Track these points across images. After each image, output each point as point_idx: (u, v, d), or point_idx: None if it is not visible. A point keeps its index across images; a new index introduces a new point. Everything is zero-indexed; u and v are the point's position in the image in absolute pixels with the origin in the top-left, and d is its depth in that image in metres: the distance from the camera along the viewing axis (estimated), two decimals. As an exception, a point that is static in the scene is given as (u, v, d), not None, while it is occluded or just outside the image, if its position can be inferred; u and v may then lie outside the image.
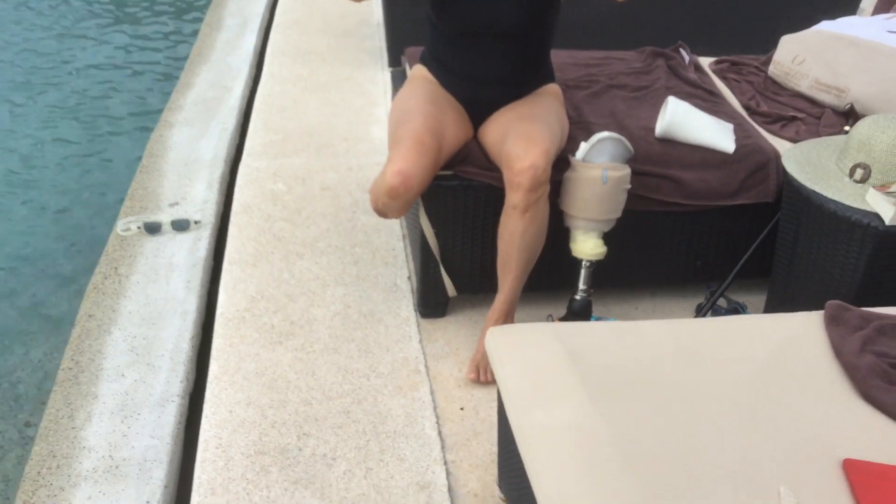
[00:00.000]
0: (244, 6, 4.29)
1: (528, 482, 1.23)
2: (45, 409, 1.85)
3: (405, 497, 1.61)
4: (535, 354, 1.34)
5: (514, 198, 1.76)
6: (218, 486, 1.62)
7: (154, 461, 1.69)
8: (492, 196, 1.95)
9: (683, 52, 2.53)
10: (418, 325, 2.08)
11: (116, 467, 1.68)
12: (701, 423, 1.24)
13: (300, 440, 1.73)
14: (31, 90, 3.79)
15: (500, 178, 1.92)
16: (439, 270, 2.04)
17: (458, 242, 2.01)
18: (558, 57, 2.46)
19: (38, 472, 1.69)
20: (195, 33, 4.18)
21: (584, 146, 1.87)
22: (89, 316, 2.11)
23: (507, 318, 1.94)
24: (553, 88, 2.03)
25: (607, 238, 1.94)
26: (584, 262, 1.92)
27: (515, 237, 1.80)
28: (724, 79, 2.47)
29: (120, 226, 2.45)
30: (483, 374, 1.90)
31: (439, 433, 1.78)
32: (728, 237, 2.08)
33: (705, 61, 2.59)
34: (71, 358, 1.98)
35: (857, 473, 1.17)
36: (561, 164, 1.91)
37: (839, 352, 1.40)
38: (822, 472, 1.17)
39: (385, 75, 3.44)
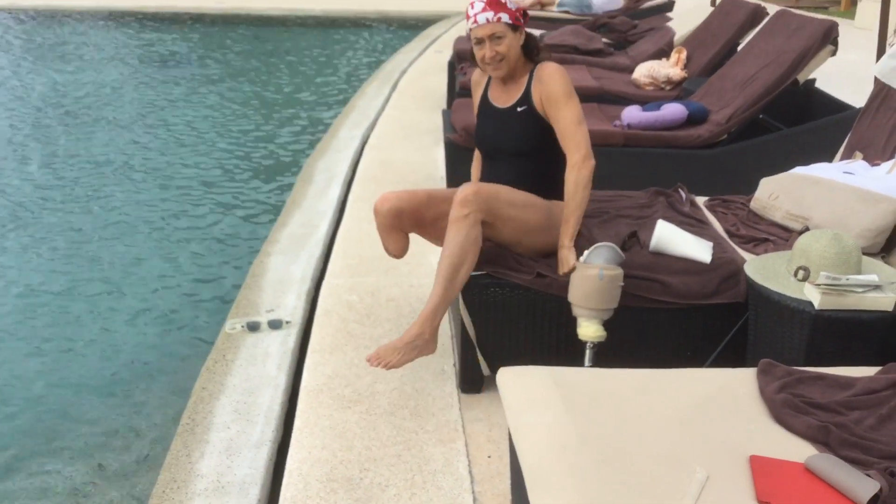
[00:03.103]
0: (331, 164, 5.11)
1: (524, 483, 1.71)
2: (168, 451, 2.42)
3: (440, 513, 2.09)
4: (531, 381, 1.85)
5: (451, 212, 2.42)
6: (298, 501, 2.13)
7: (251, 484, 2.22)
8: (518, 292, 2.51)
9: (682, 192, 3.12)
10: (459, 399, 2.60)
11: (222, 488, 2.21)
12: (648, 431, 1.72)
13: (361, 473, 2.24)
14: (161, 228, 4.60)
15: (525, 279, 2.50)
16: (476, 353, 2.58)
17: (491, 330, 2.56)
18: (579, 195, 3.07)
19: (164, 491, 2.23)
20: (290, 186, 4.99)
21: (585, 252, 2.44)
22: (203, 388, 2.70)
23: (431, 320, 2.42)
24: (557, 207, 2.62)
25: (608, 325, 2.46)
26: (588, 344, 2.44)
27: (445, 245, 2.42)
28: (713, 212, 3.04)
29: (227, 325, 3.09)
30: (375, 359, 2.38)
31: (470, 472, 2.26)
32: (708, 331, 2.57)
33: (700, 199, 3.16)
34: (189, 417, 2.55)
35: (758, 464, 1.63)
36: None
37: (762, 391, 1.87)
38: (734, 465, 1.63)
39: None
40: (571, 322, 2.48)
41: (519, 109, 2.65)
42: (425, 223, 2.69)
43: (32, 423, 2.92)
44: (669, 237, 2.60)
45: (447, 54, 8.58)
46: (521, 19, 2.61)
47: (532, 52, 2.67)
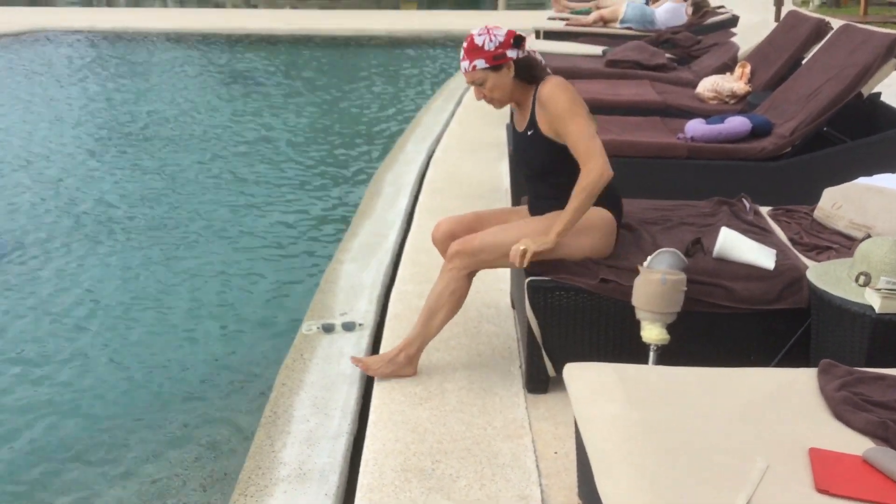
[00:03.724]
0: (399, 177, 5.28)
1: (592, 475, 1.81)
2: (252, 441, 2.58)
3: (509, 503, 2.19)
4: (597, 375, 1.96)
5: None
6: (375, 489, 2.26)
7: (330, 471, 2.36)
8: (582, 295, 2.61)
9: (745, 202, 3.18)
10: (525, 398, 2.71)
11: (304, 475, 2.36)
12: (710, 424, 1.80)
13: (433, 464, 2.36)
14: (240, 237, 4.83)
15: (589, 284, 2.60)
16: (541, 355, 2.68)
17: (556, 333, 2.66)
18: (641, 205, 3.16)
19: (249, 477, 2.38)
20: (360, 198, 5.18)
21: (648, 258, 2.53)
22: (283, 384, 2.86)
23: (406, 348, 2.73)
24: (594, 214, 2.67)
25: (671, 329, 2.54)
26: (651, 347, 2.52)
27: (431, 290, 2.72)
28: (777, 221, 3.09)
29: (304, 327, 3.25)
30: (361, 363, 2.79)
31: (537, 466, 2.36)
32: (771, 336, 2.62)
33: (764, 209, 3.22)
34: (271, 410, 2.71)
35: (817, 455, 1.70)
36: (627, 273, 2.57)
37: (823, 389, 1.93)
38: (794, 457, 1.70)
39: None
40: (635, 325, 2.56)
41: (529, 133, 2.69)
42: None
43: (128, 411, 3.14)
44: (733, 243, 2.67)
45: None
46: (500, 58, 2.58)
47: (530, 77, 2.65)
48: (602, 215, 2.70)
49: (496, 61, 2.59)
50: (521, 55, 2.63)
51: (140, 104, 8.90)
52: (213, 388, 3.30)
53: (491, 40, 2.58)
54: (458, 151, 5.81)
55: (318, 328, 3.22)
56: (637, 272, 2.55)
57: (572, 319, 2.66)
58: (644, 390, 1.92)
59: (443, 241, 2.87)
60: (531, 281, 2.64)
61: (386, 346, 3.04)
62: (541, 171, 2.73)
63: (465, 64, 2.64)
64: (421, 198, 4.77)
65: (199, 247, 4.77)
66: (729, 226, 2.95)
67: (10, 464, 2.87)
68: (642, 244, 2.80)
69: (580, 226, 2.64)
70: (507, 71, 2.62)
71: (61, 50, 12.83)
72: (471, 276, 2.75)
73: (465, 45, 2.64)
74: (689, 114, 4.88)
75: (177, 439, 2.96)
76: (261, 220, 5.20)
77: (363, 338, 3.15)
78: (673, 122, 4.57)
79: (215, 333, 3.75)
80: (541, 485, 2.29)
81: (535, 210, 2.83)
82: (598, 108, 4.98)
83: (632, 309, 2.54)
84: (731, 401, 1.88)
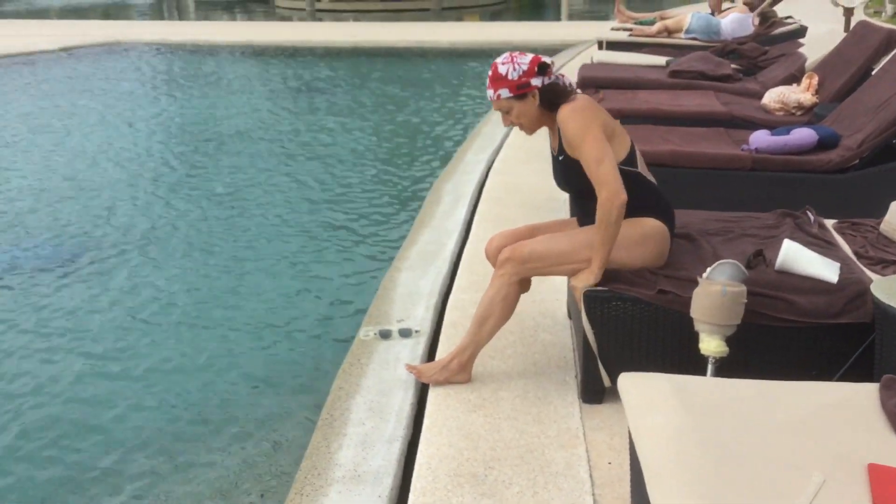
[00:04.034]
0: (458, 186, 5.31)
1: (645, 486, 1.80)
2: (309, 442, 2.62)
3: (561, 511, 2.19)
4: (651, 386, 1.94)
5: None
6: (428, 493, 2.28)
7: (384, 474, 2.39)
8: (640, 306, 2.60)
9: (810, 214, 3.11)
10: (580, 408, 2.70)
11: (359, 476, 2.40)
12: (767, 437, 1.77)
13: (486, 470, 2.37)
14: (303, 244, 4.93)
15: (647, 295, 2.58)
16: (597, 365, 2.67)
17: (612, 343, 2.65)
18: (703, 216, 3.13)
19: (306, 477, 2.43)
20: (419, 207, 5.23)
21: (708, 269, 2.50)
22: (340, 388, 2.91)
23: (459, 354, 2.77)
24: (640, 221, 2.66)
25: (731, 341, 2.50)
26: (710, 359, 2.49)
27: (483, 296, 2.75)
28: (842, 234, 3.02)
29: (362, 333, 3.30)
30: (415, 370, 2.84)
31: (590, 476, 2.35)
32: (834, 351, 2.56)
33: (829, 222, 3.15)
34: (328, 413, 2.76)
35: (876, 472, 1.66)
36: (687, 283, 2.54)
37: (884, 404, 1.88)
38: (852, 472, 1.66)
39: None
40: (693, 337, 2.53)
41: (560, 158, 2.71)
42: None
43: (190, 409, 3.23)
44: (796, 256, 2.62)
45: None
46: (524, 87, 2.60)
47: (554, 104, 2.64)
48: (654, 225, 2.69)
49: (520, 90, 2.60)
50: (545, 82, 2.63)
51: (209, 114, 9.14)
52: (272, 389, 3.37)
53: (515, 69, 2.59)
54: (516, 162, 5.82)
55: (375, 334, 3.27)
56: (696, 283, 2.53)
57: (629, 330, 2.64)
58: (699, 402, 1.90)
59: (495, 256, 2.90)
60: (588, 291, 2.64)
61: (442, 353, 3.06)
62: (579, 191, 2.73)
63: (490, 93, 2.66)
64: (480, 207, 4.79)
65: (263, 252, 4.88)
66: (792, 238, 2.90)
67: (83, 452, 2.99)
68: (703, 255, 2.77)
69: (633, 237, 2.64)
70: (532, 99, 2.63)
71: (135, 62, 13.26)
72: (522, 283, 2.77)
73: (490, 73, 2.66)
74: (755, 125, 4.81)
75: (235, 438, 3.03)
76: (323, 226, 5.30)
77: (419, 344, 3.18)
78: (737, 134, 4.50)
79: (276, 337, 3.83)
80: (593, 494, 2.28)
81: (584, 225, 2.83)
82: (660, 119, 4.96)
83: (690, 320, 2.52)
84: (788, 414, 1.85)
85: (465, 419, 2.62)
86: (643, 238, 2.67)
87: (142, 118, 8.94)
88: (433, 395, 2.77)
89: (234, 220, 5.48)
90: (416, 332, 3.27)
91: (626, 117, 5.08)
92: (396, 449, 2.52)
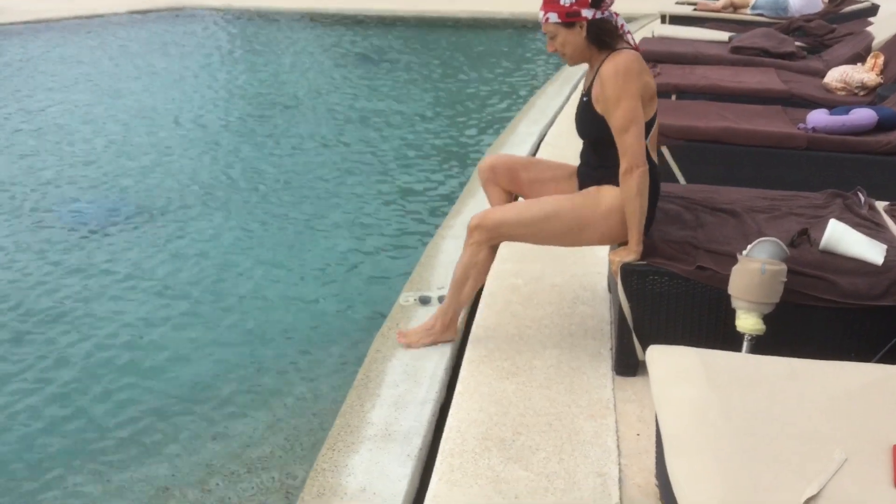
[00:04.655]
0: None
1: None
2: (344, 401, 2.69)
3: (586, 478, 2.21)
4: (679, 358, 1.94)
5: None
6: (456, 454, 2.32)
7: (414, 434, 2.44)
8: (677, 281, 2.58)
9: (861, 195, 3.04)
10: (613, 380, 2.70)
11: (389, 435, 2.45)
12: (791, 413, 1.76)
13: (514, 435, 2.40)
14: (350, 211, 5.00)
15: (685, 270, 2.56)
16: (632, 338, 2.67)
17: (648, 317, 2.64)
18: (751, 193, 3.08)
19: (338, 434, 2.49)
20: (468, 177, 5.24)
21: (749, 246, 2.47)
22: (377, 351, 2.96)
23: (441, 316, 2.90)
24: (606, 191, 2.64)
25: (768, 319, 2.47)
26: (746, 337, 2.47)
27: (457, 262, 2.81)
28: (893, 217, 2.94)
29: (402, 298, 3.34)
30: (403, 337, 2.92)
31: (618, 446, 2.36)
32: (874, 333, 2.51)
33: (880, 204, 3.06)
34: (364, 373, 2.82)
35: (903, 453, 1.64)
36: (726, 259, 2.51)
37: (920, 388, 1.85)
38: (875, 452, 1.64)
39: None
40: (730, 314, 2.51)
41: (584, 99, 2.65)
42: (521, 183, 2.90)
43: (230, 368, 3.33)
44: (841, 236, 2.57)
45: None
46: (574, 15, 2.53)
47: (601, 42, 2.57)
48: (617, 197, 2.64)
49: (569, 18, 2.54)
50: (597, 16, 2.55)
51: (271, 79, 9.26)
52: (312, 349, 3.45)
53: None
54: (569, 136, 5.78)
55: (415, 300, 3.31)
56: (736, 260, 2.50)
57: (665, 304, 2.63)
58: (727, 376, 1.89)
59: (482, 171, 2.93)
60: (625, 264, 2.63)
61: (480, 320, 3.09)
62: (588, 138, 2.71)
63: (540, 14, 2.60)
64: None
65: (310, 216, 4.97)
66: (840, 219, 2.83)
67: (134, 401, 3.12)
68: (746, 231, 2.74)
69: (601, 211, 2.64)
70: (579, 30, 2.56)
71: (200, 27, 13.48)
72: (493, 248, 2.80)
73: None
74: (814, 104, 4.69)
75: (273, 396, 3.12)
76: (371, 193, 5.37)
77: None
78: (795, 112, 4.40)
79: (319, 299, 3.91)
80: (619, 464, 2.29)
81: (581, 175, 2.83)
82: (718, 96, 4.87)
83: (728, 297, 2.49)
84: (818, 393, 1.83)
85: (496, 386, 2.65)
86: (606, 213, 2.64)
87: (206, 82, 9.11)
88: (467, 361, 2.80)
89: (282, 184, 5.59)
90: (456, 299, 3.29)
91: (683, 92, 5.00)
92: (428, 411, 2.56)
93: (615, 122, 2.53)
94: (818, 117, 4.01)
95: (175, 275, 4.19)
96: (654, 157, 2.71)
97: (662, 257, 2.60)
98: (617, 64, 2.51)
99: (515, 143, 5.69)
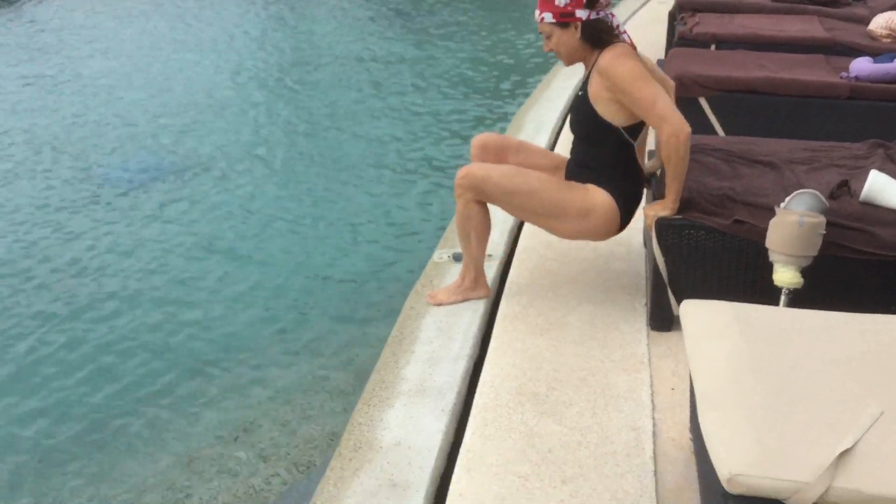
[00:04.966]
0: (541, 115, 5.24)
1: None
2: (379, 357, 2.71)
3: (619, 432, 2.22)
4: (713, 313, 1.92)
5: None
6: (489, 409, 2.34)
7: (448, 390, 2.46)
8: (714, 235, 2.55)
9: (905, 144, 2.95)
10: (648, 335, 2.69)
11: (423, 391, 2.47)
12: (826, 367, 1.73)
13: (548, 390, 2.41)
14: (384, 169, 5.02)
15: (722, 224, 2.53)
16: (667, 292, 2.65)
17: (684, 271, 2.61)
18: (790, 144, 3.01)
19: (374, 389, 2.52)
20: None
21: (787, 199, 2.42)
22: (411, 307, 2.98)
23: (465, 272, 2.89)
24: (592, 191, 2.65)
25: (806, 273, 2.43)
26: (783, 290, 2.43)
27: None
28: (939, 166, 2.85)
29: (436, 255, 3.35)
30: (433, 297, 2.90)
31: (652, 400, 2.36)
32: (918, 286, 2.46)
33: (927, 153, 2.98)
34: (398, 330, 2.84)
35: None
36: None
37: (961, 340, 1.81)
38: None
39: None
40: (767, 267, 2.47)
41: (580, 94, 2.68)
42: (508, 164, 2.84)
43: (269, 321, 3.40)
44: (882, 187, 2.51)
45: (669, 4, 8.35)
46: (568, 16, 2.54)
47: (596, 40, 2.58)
48: (602, 201, 2.64)
49: (563, 18, 2.56)
50: (591, 16, 2.56)
51: (306, 36, 9.24)
52: (346, 306, 3.50)
53: None
54: (605, 89, 5.68)
55: (449, 257, 3.31)
56: (774, 213, 2.46)
57: (701, 258, 2.60)
58: (762, 330, 1.87)
59: (473, 147, 2.91)
60: (661, 218, 2.60)
61: (514, 275, 3.09)
62: (580, 135, 2.71)
63: (536, 13, 2.64)
64: (561, 136, 4.73)
65: (347, 175, 4.99)
66: (882, 170, 2.76)
67: (180, 348, 3.20)
68: (785, 184, 2.68)
69: (575, 208, 2.64)
70: (573, 30, 2.58)
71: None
72: (482, 204, 2.76)
73: None
74: (858, 52, 4.54)
75: (309, 350, 3.18)
76: (406, 151, 5.37)
77: (492, 268, 3.21)
78: (838, 61, 4.27)
79: (355, 256, 3.95)
80: (653, 418, 2.29)
81: (569, 170, 2.80)
82: (758, 45, 4.75)
83: (765, 250, 2.45)
84: (855, 346, 1.81)
85: (530, 342, 2.66)
86: (584, 211, 2.64)
87: (244, 40, 9.12)
88: (501, 317, 2.81)
89: (327, 138, 5.62)
90: (489, 255, 3.28)
91: (722, 42, 4.88)
92: (461, 367, 2.58)
93: (639, 97, 2.48)
94: (861, 65, 3.89)
95: (217, 230, 4.26)
96: (643, 162, 2.76)
97: (699, 211, 2.57)
98: (614, 53, 2.54)
99: (549, 98, 5.62)
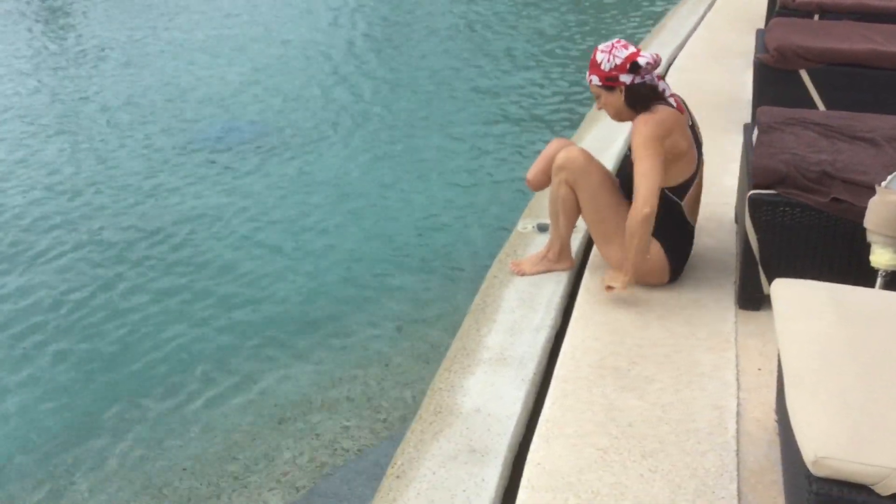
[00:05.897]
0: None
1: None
2: (461, 326, 2.74)
3: (702, 411, 2.19)
4: (806, 293, 1.87)
5: None
6: (570, 380, 2.34)
7: (529, 359, 2.48)
8: (810, 213, 2.47)
9: None
10: (736, 313, 2.64)
11: (504, 360, 2.49)
12: (927, 353, 1.67)
13: (629, 365, 2.39)
14: (469, 141, 5.02)
15: (819, 202, 2.45)
16: (758, 270, 2.58)
17: (776, 250, 2.55)
18: (893, 120, 2.88)
19: (455, 356, 2.55)
20: (589, 105, 5.13)
21: (889, 177, 2.33)
22: (494, 276, 2.99)
23: (551, 245, 2.92)
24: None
25: (906, 256, 2.33)
26: (880, 272, 2.34)
27: None
28: None
29: (520, 225, 3.35)
30: (517, 266, 2.94)
31: (737, 380, 2.32)
32: None
33: None
34: (481, 299, 2.86)
35: None
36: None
37: None
38: None
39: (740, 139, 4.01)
40: (864, 248, 2.39)
41: (627, 153, 2.77)
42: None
43: (354, 287, 3.46)
44: None
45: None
46: (612, 80, 2.63)
47: (639, 105, 2.65)
48: (654, 251, 2.70)
49: (608, 83, 2.67)
50: (635, 81, 2.64)
51: (393, 11, 9.27)
52: (431, 274, 3.54)
53: (609, 61, 2.65)
54: (702, 59, 5.53)
55: (533, 227, 3.31)
56: (874, 192, 2.36)
57: (795, 237, 2.52)
58: (856, 312, 1.81)
59: (550, 158, 2.87)
60: (753, 194, 2.53)
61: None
62: (628, 190, 2.74)
63: (586, 75, 2.78)
64: (654, 106, 4.62)
65: (432, 146, 5.02)
66: None
67: (255, 313, 3.31)
68: (886, 162, 2.57)
69: (641, 270, 2.68)
70: (618, 93, 2.67)
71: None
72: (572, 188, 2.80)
73: (591, 57, 2.73)
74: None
75: (393, 316, 3.24)
76: (494, 120, 5.35)
77: (577, 240, 3.19)
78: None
79: (440, 225, 3.99)
80: (738, 398, 2.25)
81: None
82: (865, 15, 4.53)
83: (862, 230, 2.37)
84: (956, 333, 1.73)
85: (613, 315, 2.64)
86: (650, 272, 2.74)
87: (335, 12, 9.22)
88: (584, 289, 2.80)
89: (406, 115, 5.66)
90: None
91: (826, 12, 4.68)
92: (543, 337, 2.59)
93: (637, 166, 2.59)
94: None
95: (304, 197, 4.36)
96: (694, 220, 2.79)
97: (795, 187, 2.49)
98: (644, 118, 2.62)
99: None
